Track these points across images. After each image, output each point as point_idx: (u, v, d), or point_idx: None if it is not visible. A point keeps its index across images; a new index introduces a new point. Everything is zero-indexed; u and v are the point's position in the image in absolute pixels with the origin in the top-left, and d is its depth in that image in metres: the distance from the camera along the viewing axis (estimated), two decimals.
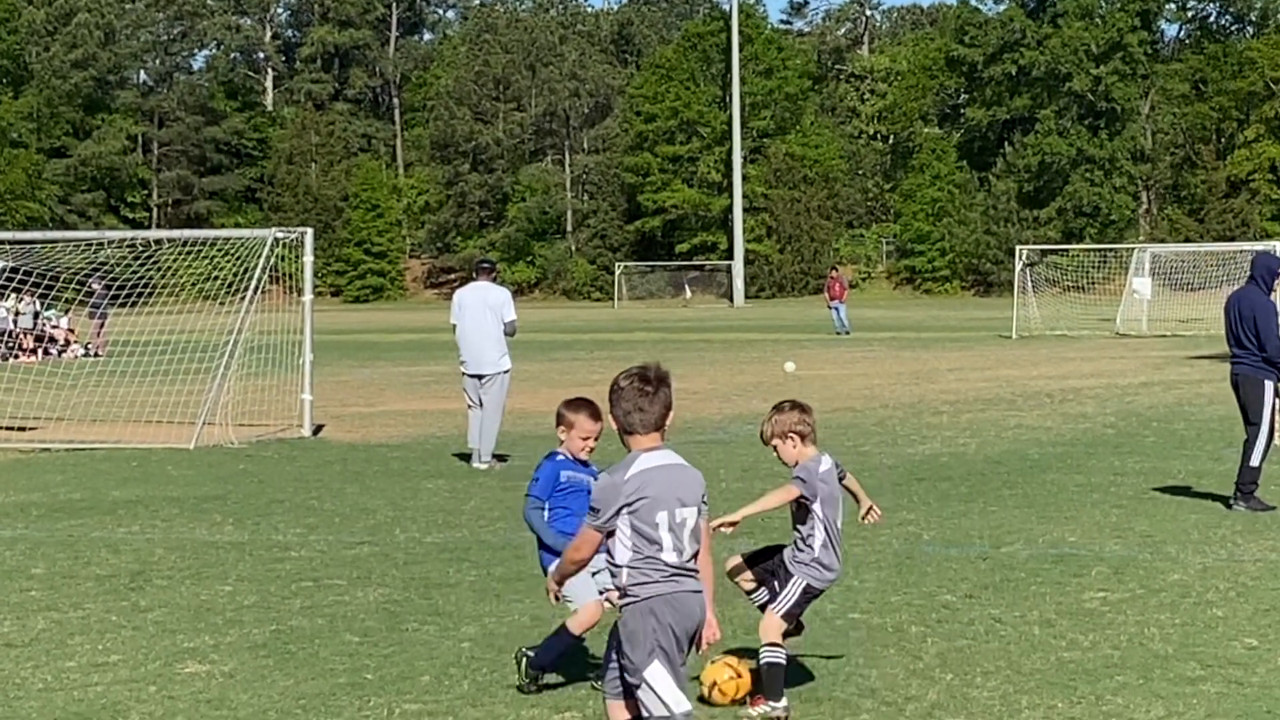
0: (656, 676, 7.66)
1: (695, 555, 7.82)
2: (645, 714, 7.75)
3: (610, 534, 7.77)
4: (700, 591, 7.81)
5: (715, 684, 10.00)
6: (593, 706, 9.87)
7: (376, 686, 10.41)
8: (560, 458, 10.52)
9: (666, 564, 7.68)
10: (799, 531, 10.20)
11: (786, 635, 10.09)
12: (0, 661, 11.29)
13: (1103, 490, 19.05)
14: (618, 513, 7.70)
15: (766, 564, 10.36)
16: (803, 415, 10.23)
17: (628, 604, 7.74)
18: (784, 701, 9.77)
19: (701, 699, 9.85)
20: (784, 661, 9.89)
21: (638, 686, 7.72)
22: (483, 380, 22.56)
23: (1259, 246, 67.51)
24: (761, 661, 9.89)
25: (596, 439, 10.44)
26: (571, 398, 10.52)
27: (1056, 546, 15.24)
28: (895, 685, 10.32)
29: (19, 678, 10.84)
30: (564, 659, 10.42)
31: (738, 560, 10.48)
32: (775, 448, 10.28)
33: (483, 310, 22.64)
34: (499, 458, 22.56)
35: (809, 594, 10.14)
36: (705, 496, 7.91)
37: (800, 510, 10.17)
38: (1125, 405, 30.32)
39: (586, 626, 10.27)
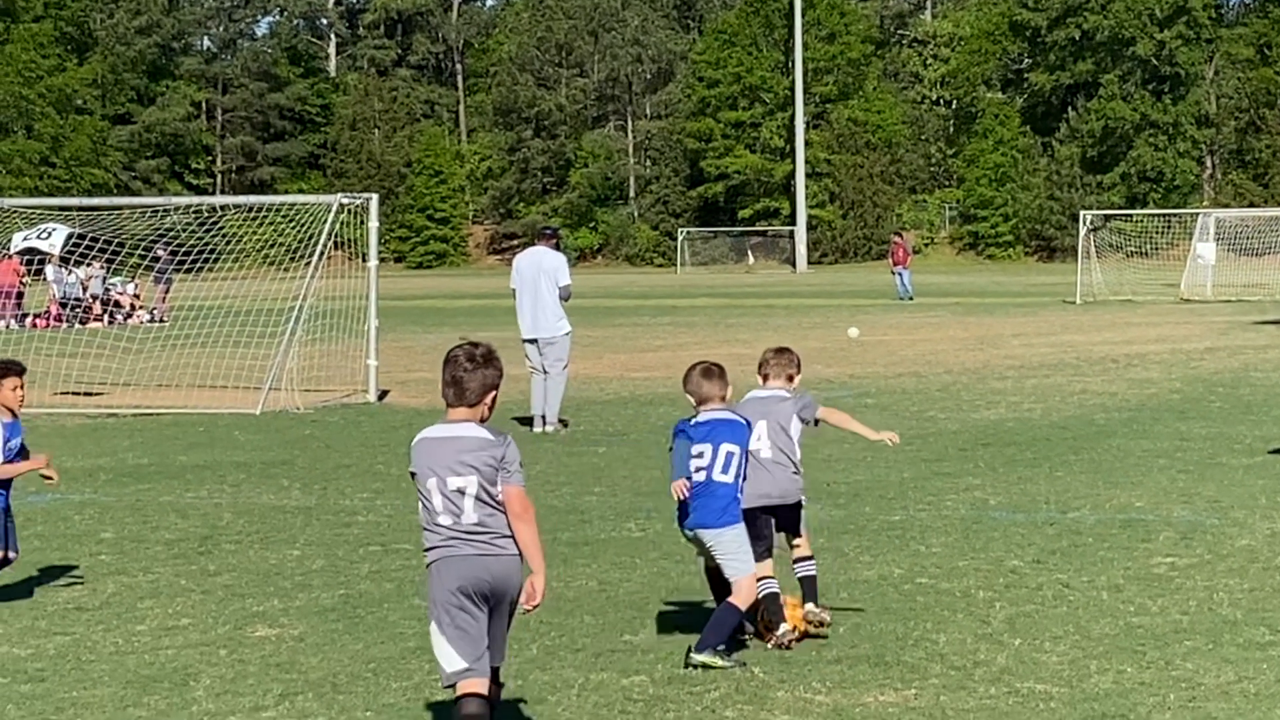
0: (434, 636, 8.10)
1: (485, 520, 8.04)
2: None
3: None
4: (496, 555, 8.08)
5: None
6: (661, 670, 9.89)
7: None
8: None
9: (442, 527, 8.11)
10: None
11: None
12: (72, 625, 11.39)
13: (1169, 455, 18.97)
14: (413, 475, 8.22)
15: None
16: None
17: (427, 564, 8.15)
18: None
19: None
20: (778, 589, 10.36)
21: None
22: (541, 344, 22.59)
23: None
24: (762, 596, 10.28)
25: None
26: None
27: (1123, 512, 15.19)
28: (964, 650, 10.31)
29: (90, 641, 10.93)
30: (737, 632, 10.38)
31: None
32: None
33: (537, 275, 22.73)
34: (562, 423, 22.58)
35: (747, 527, 10.32)
36: (498, 464, 8.06)
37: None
38: (1190, 370, 30.17)
39: (750, 601, 10.24)
